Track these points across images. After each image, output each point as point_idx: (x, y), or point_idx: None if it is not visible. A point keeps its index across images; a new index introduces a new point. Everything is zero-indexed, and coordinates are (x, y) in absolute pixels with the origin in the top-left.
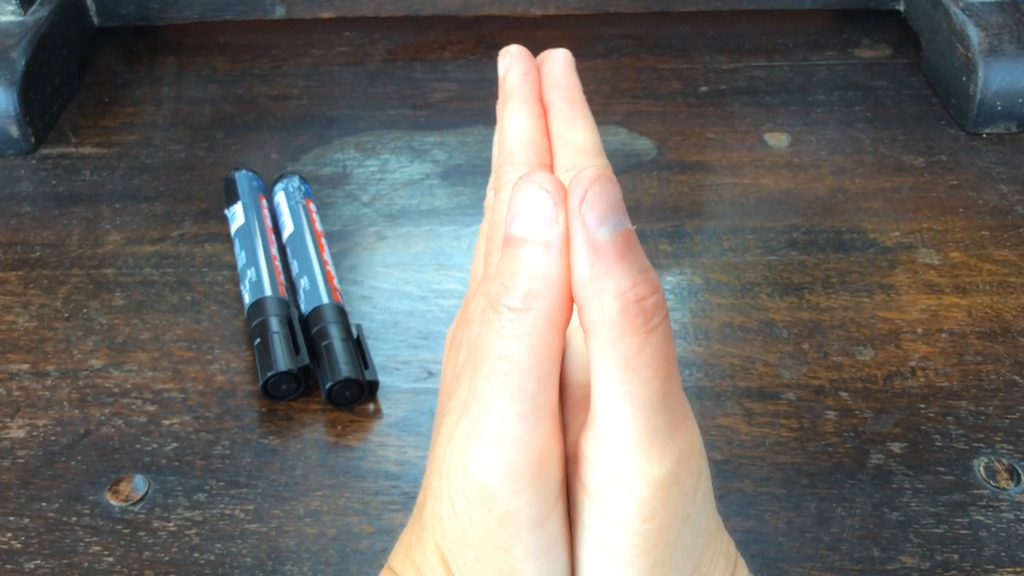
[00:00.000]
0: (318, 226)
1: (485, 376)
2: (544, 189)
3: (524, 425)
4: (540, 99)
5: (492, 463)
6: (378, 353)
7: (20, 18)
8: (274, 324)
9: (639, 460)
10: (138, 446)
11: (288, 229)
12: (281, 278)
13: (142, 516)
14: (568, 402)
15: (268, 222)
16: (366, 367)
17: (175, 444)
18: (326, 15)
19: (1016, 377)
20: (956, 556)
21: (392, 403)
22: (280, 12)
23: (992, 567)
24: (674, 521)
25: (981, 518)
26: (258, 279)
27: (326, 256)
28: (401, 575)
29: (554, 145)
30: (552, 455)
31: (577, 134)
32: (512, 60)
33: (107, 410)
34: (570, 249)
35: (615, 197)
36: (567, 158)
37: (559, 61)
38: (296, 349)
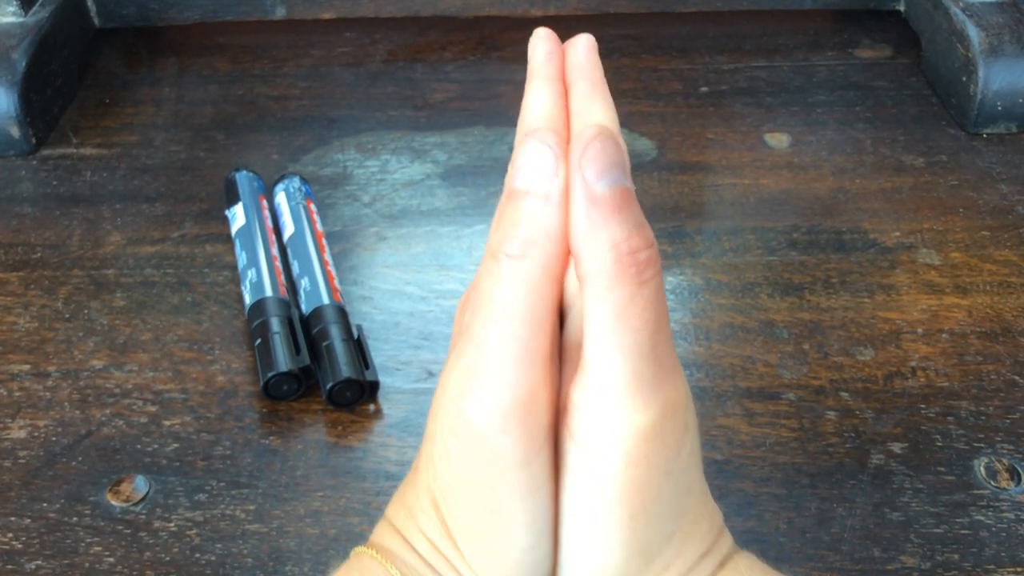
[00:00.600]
0: (319, 227)
1: (482, 321)
2: (546, 144)
3: (515, 368)
4: (563, 79)
5: (482, 402)
6: (379, 353)
7: (21, 19)
8: (275, 325)
9: (625, 407)
10: (139, 447)
11: (289, 230)
12: (282, 279)
13: (143, 516)
14: (565, 361)
15: (269, 223)
16: (367, 367)
17: (176, 445)
18: (326, 16)
19: (1016, 377)
20: (957, 556)
21: (393, 403)
22: (280, 13)
23: (992, 567)
24: (656, 472)
25: (982, 518)
26: (259, 280)
27: (327, 257)
28: (393, 520)
29: (572, 122)
30: (541, 400)
31: (596, 112)
32: (538, 41)
33: (108, 411)
34: (569, 199)
35: (616, 154)
36: None
37: (582, 46)
38: (297, 349)
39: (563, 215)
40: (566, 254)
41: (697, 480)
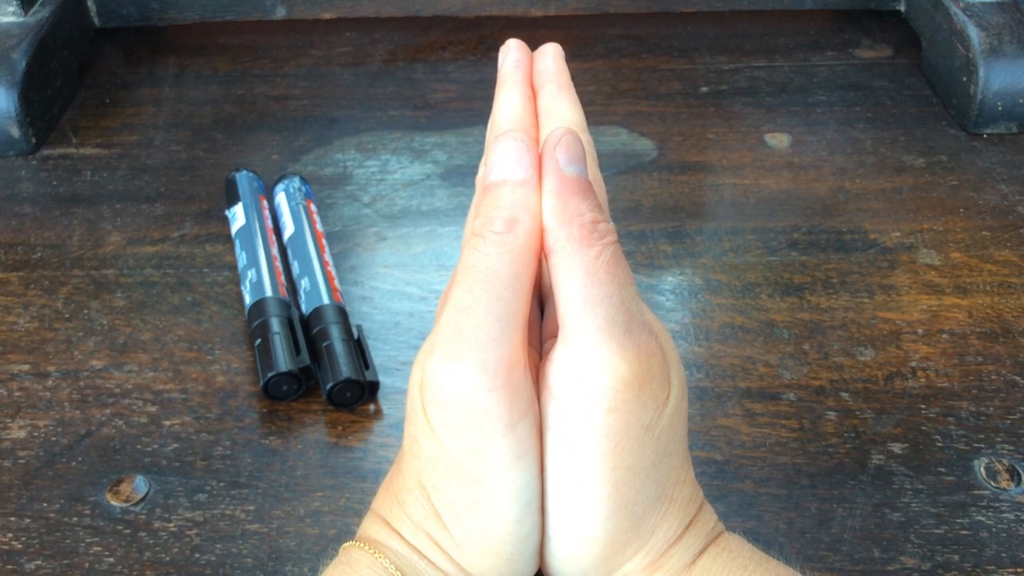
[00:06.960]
0: (319, 227)
1: (467, 288)
2: (517, 140)
3: (499, 326)
4: (531, 84)
5: (470, 361)
6: (379, 354)
7: (21, 19)
8: (275, 325)
9: (601, 351)
10: (139, 447)
11: (289, 230)
12: (282, 279)
13: (143, 517)
14: (543, 350)
15: (269, 223)
16: (367, 368)
17: (176, 445)
18: (327, 16)
19: (1017, 378)
20: (957, 557)
21: (392, 404)
22: (281, 13)
23: (993, 568)
24: (635, 423)
25: (982, 519)
26: (259, 280)
27: (327, 257)
28: (379, 510)
29: (541, 121)
30: (521, 363)
31: (563, 111)
32: (508, 51)
33: (108, 411)
34: (543, 183)
35: (580, 151)
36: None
37: (549, 54)
38: (297, 350)
39: (538, 195)
40: (542, 229)
41: (680, 445)
